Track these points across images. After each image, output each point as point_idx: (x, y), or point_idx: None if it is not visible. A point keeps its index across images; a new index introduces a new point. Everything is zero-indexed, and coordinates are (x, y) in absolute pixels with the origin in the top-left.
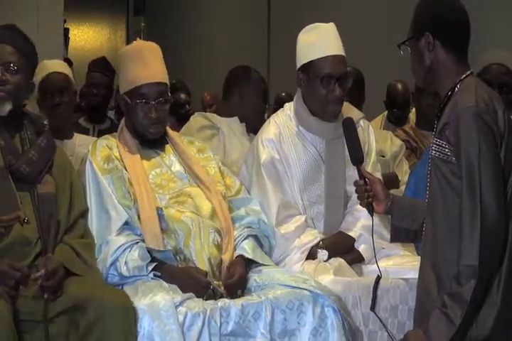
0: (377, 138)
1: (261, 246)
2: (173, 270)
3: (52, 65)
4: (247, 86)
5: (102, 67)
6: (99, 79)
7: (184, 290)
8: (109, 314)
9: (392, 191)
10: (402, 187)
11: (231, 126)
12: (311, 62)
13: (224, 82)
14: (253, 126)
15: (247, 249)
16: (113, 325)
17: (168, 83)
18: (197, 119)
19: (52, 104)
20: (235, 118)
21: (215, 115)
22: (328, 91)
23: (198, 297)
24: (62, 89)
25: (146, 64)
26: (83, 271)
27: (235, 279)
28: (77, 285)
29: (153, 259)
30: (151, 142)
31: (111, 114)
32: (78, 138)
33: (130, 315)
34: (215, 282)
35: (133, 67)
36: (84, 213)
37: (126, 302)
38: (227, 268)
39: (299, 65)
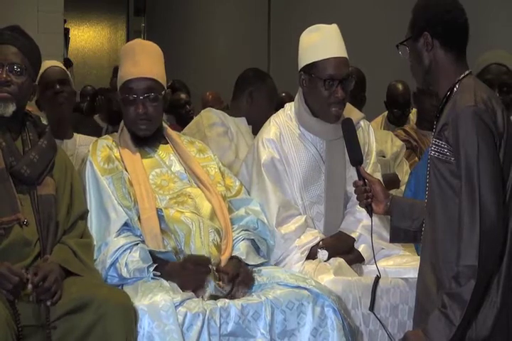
0: (377, 138)
1: (258, 249)
2: (170, 268)
3: (49, 62)
4: (260, 88)
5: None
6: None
7: (185, 285)
8: (110, 314)
9: (393, 191)
10: (403, 188)
11: (239, 126)
12: (314, 63)
13: (236, 81)
14: (258, 128)
15: (241, 250)
16: (113, 324)
17: (159, 80)
18: (208, 115)
19: (53, 92)
20: (243, 119)
21: (224, 113)
22: (331, 93)
23: (197, 292)
24: (62, 80)
25: (136, 60)
26: (81, 270)
27: (241, 276)
28: (77, 285)
29: (154, 260)
30: (145, 140)
31: None
32: (79, 137)
33: (130, 315)
34: (216, 282)
35: (124, 64)
36: (83, 214)
37: (127, 302)
38: (227, 268)
39: (301, 65)
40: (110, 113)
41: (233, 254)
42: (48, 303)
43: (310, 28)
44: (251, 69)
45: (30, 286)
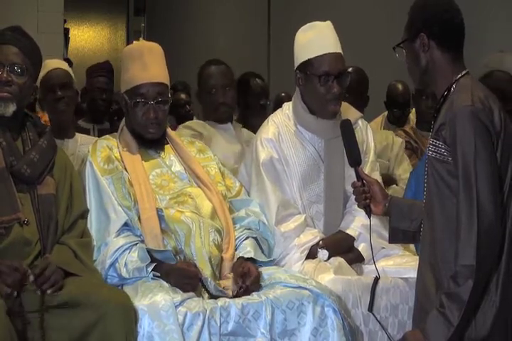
0: (376, 143)
1: (260, 248)
2: (167, 268)
3: (53, 63)
4: (200, 83)
5: (108, 72)
6: (106, 85)
7: (179, 287)
8: (110, 314)
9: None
10: (401, 185)
11: (216, 128)
12: (309, 60)
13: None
14: (221, 118)
15: (249, 248)
16: (114, 324)
17: (168, 84)
18: (181, 133)
19: (54, 98)
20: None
21: (197, 122)
22: (327, 89)
23: (190, 290)
24: (64, 84)
25: (146, 64)
26: (81, 270)
27: (253, 276)
28: (77, 285)
29: (152, 260)
30: (151, 142)
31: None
32: (80, 137)
33: (130, 315)
34: (216, 282)
35: (132, 67)
36: (84, 213)
37: (127, 302)
38: (236, 268)
39: (296, 64)
40: (95, 113)
41: (241, 253)
42: (49, 292)
43: (304, 26)
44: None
45: (31, 277)
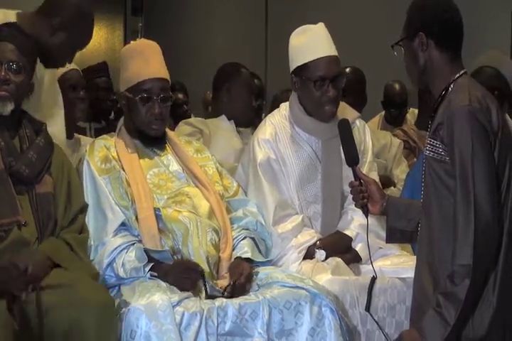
0: (374, 142)
1: (257, 248)
2: (166, 268)
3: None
4: (236, 81)
5: (107, 71)
6: (108, 84)
7: (178, 284)
8: (89, 310)
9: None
10: (399, 186)
11: (218, 126)
12: (304, 65)
13: (213, 81)
14: (243, 122)
15: (246, 248)
16: (95, 320)
17: (169, 80)
18: (181, 129)
19: (77, 97)
20: (222, 117)
21: (198, 119)
22: (322, 93)
23: (189, 286)
24: (83, 87)
25: (148, 60)
26: (68, 263)
27: (244, 275)
28: (61, 278)
29: (150, 260)
30: (152, 140)
31: None
32: (80, 138)
33: (109, 310)
34: (213, 281)
35: (134, 64)
36: (83, 208)
37: (105, 297)
38: (232, 268)
39: (292, 68)
40: (99, 112)
41: (238, 253)
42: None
43: (297, 30)
44: (223, 65)
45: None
